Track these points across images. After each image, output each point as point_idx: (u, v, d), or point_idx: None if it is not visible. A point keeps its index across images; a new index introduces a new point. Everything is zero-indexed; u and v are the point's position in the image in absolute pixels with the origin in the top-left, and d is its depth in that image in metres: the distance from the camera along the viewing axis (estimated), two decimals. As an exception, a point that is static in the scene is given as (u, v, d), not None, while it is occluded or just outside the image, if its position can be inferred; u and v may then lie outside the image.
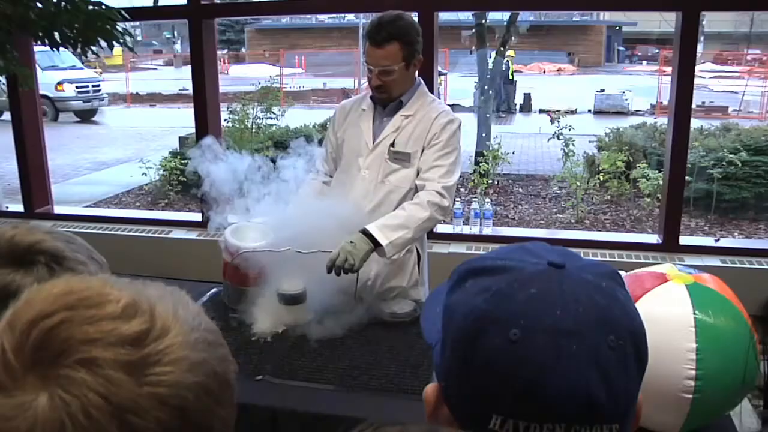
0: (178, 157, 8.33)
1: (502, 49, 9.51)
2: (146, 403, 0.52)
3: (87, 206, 7.92)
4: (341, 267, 2.19)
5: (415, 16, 4.07)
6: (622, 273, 1.97)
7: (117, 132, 15.31)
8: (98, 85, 17.44)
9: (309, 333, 2.17)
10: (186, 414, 0.55)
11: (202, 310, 0.63)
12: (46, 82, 15.62)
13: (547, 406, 0.64)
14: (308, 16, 30.72)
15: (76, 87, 16.58)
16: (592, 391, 0.63)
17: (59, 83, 16.22)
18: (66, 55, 15.98)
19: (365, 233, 2.25)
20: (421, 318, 0.83)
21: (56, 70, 16.20)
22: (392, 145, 2.47)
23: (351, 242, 2.22)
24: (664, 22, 22.65)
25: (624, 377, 0.66)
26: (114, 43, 3.22)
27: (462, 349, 0.69)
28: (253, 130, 7.67)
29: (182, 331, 0.57)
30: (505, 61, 16.27)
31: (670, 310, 1.56)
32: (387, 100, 2.49)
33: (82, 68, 17.69)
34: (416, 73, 2.50)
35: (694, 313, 1.55)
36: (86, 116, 17.07)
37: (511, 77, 16.96)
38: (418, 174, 2.46)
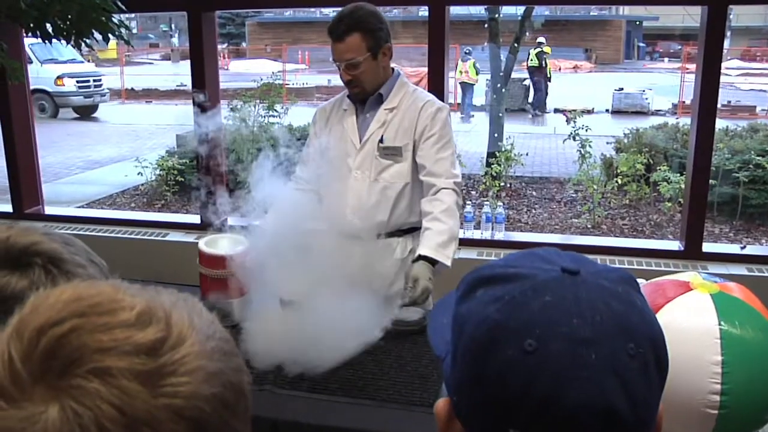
0: (176, 156, 8.36)
1: (515, 45, 9.51)
2: (162, 415, 0.52)
3: (79, 207, 7.95)
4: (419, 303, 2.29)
5: (425, 10, 4.10)
6: (642, 281, 1.98)
7: (111, 129, 15.36)
8: (99, 80, 17.38)
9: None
10: (202, 427, 0.55)
11: (216, 318, 0.64)
12: (44, 76, 15.63)
13: (565, 418, 0.63)
14: (312, 8, 30.82)
15: (77, 81, 16.52)
16: (613, 402, 0.63)
17: (59, 77, 16.17)
18: (65, 48, 15.99)
19: (426, 258, 2.34)
20: (428, 329, 0.83)
21: (55, 63, 16.15)
22: (381, 141, 2.50)
23: (430, 279, 2.30)
24: (688, 16, 22.61)
25: (645, 386, 0.66)
26: (109, 35, 3.23)
27: (474, 361, 0.69)
28: (254, 129, 7.69)
29: (198, 340, 0.57)
30: (538, 54, 16.56)
31: (693, 321, 1.56)
32: (362, 95, 2.52)
33: (82, 62, 17.59)
34: (390, 62, 2.53)
35: (720, 324, 1.54)
36: (86, 113, 17.03)
37: (549, 75, 17.11)
38: (416, 168, 2.49)
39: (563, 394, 0.63)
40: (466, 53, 16.69)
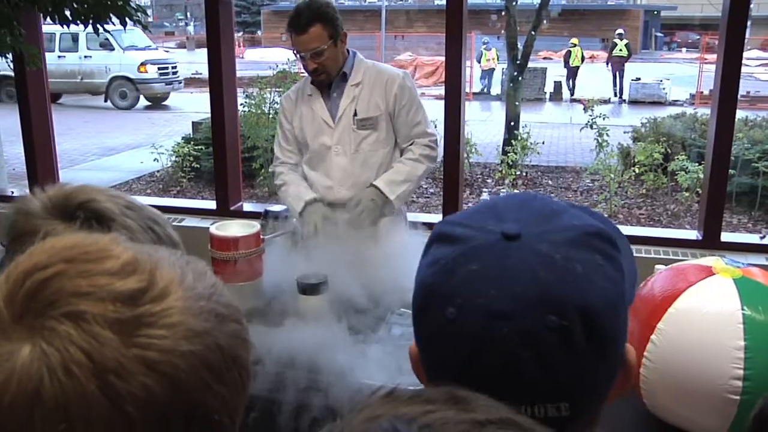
0: (191, 142, 8.38)
1: (532, 33, 9.45)
2: (132, 366, 0.52)
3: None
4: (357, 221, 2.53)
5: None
6: (660, 267, 1.94)
7: (127, 116, 15.39)
8: (176, 67, 17.19)
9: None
10: (176, 384, 0.53)
11: (221, 284, 0.63)
12: (127, 63, 15.70)
13: (484, 384, 0.64)
14: (328, -3, 30.73)
15: (159, 68, 16.37)
16: (524, 372, 0.65)
17: (142, 64, 16.00)
18: (140, 36, 15.87)
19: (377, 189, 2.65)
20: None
21: (136, 50, 16.07)
22: (355, 114, 2.70)
23: (372, 200, 2.61)
24: (707, 5, 22.35)
25: (566, 358, 0.66)
26: (127, 20, 3.23)
27: (414, 319, 0.73)
28: (270, 116, 7.68)
29: (185, 296, 0.56)
30: (627, 45, 17.14)
31: (716, 306, 1.54)
32: (327, 80, 2.71)
33: (156, 48, 17.43)
34: (345, 46, 2.72)
35: (743, 309, 1.52)
36: (157, 101, 16.82)
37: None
38: (393, 136, 2.74)
39: (479, 363, 0.66)
40: (484, 43, 17.03)
